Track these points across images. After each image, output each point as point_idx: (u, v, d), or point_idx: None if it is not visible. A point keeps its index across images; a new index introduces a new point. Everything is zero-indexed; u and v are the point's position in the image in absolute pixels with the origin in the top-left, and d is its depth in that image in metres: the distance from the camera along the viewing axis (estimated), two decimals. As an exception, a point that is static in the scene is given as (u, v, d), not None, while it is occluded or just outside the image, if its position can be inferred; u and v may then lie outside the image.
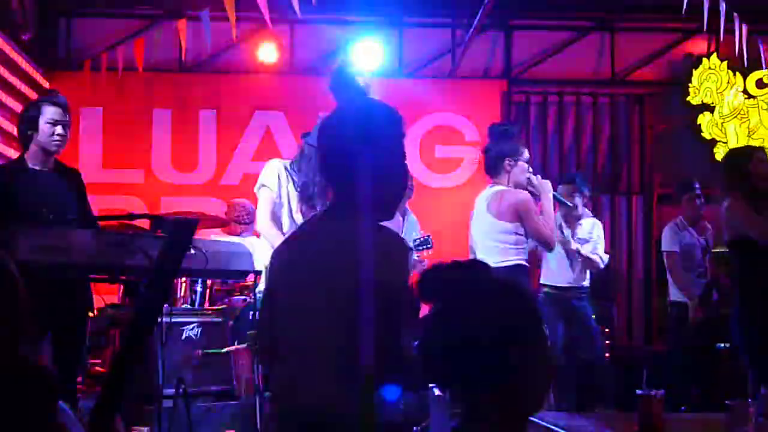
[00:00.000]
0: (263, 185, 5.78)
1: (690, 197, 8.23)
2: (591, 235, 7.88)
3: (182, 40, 8.50)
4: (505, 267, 6.04)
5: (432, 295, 2.20)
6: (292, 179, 5.78)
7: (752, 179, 5.86)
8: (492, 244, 6.22)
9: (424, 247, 6.83)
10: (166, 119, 10.50)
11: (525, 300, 2.17)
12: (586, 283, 7.90)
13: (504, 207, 6.18)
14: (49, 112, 5.28)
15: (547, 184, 6.34)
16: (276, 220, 5.74)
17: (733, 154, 6.56)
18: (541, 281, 8.03)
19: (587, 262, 7.75)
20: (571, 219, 7.77)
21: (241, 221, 8.59)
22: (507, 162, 6.28)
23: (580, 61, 11.21)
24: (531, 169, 6.30)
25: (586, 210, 8.08)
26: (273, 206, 5.74)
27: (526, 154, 6.32)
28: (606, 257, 7.95)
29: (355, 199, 2.78)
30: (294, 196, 5.77)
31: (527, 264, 6.29)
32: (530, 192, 6.28)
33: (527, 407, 2.17)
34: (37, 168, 5.24)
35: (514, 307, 2.13)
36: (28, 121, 5.27)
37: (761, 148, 6.43)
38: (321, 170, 3.08)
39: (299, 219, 5.79)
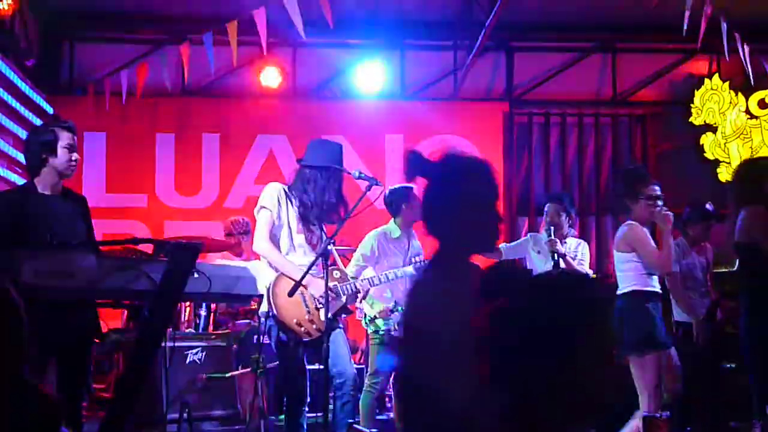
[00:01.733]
0: (263, 207, 5.82)
1: (706, 226, 8.19)
2: (576, 254, 7.88)
3: (185, 64, 8.54)
4: (624, 293, 6.25)
5: (494, 293, 2.28)
6: (292, 202, 5.82)
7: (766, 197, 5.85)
8: (618, 273, 6.47)
9: None
10: (169, 143, 10.54)
11: (584, 311, 2.21)
12: None
13: (619, 240, 6.47)
14: (66, 138, 5.28)
15: (666, 217, 6.49)
16: (274, 241, 5.78)
17: (749, 168, 6.51)
18: None
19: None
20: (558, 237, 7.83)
21: (235, 232, 8.57)
22: (628, 202, 6.53)
23: (581, 81, 11.25)
24: (660, 203, 6.48)
25: (572, 230, 8.09)
26: (272, 228, 5.78)
27: (649, 191, 6.49)
28: (591, 274, 7.94)
29: (456, 247, 3.16)
30: (294, 217, 5.81)
31: (650, 289, 6.42)
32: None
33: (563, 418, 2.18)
34: (46, 193, 5.24)
35: (572, 313, 2.17)
36: (43, 146, 5.24)
37: None
38: (426, 226, 3.25)
39: (299, 240, 5.81)
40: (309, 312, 5.70)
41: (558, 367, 2.14)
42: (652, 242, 6.43)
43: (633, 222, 6.44)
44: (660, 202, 6.44)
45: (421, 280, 3.30)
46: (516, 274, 2.30)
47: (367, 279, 6.32)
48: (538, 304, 2.20)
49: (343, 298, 5.88)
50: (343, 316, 6.15)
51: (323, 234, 5.93)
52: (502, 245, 8.44)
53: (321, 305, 5.66)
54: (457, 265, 3.13)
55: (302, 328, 5.67)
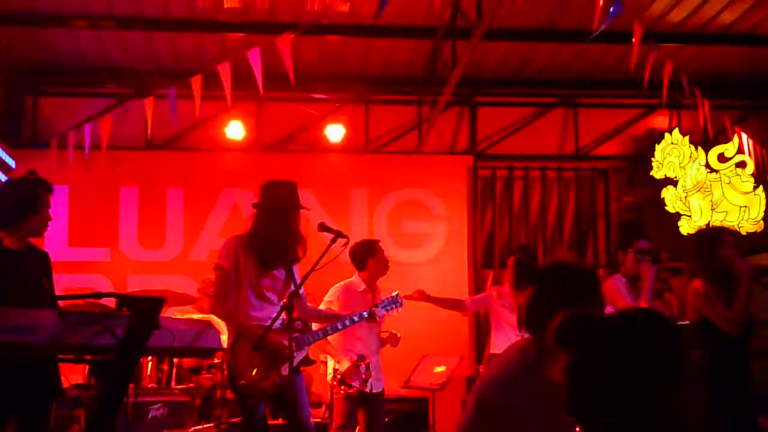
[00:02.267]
0: (218, 266, 5.78)
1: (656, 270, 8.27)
2: None
3: (149, 118, 8.53)
4: None
5: (569, 342, 2.34)
6: (250, 251, 5.77)
7: (721, 264, 5.90)
8: None
9: (394, 305, 6.84)
10: (133, 197, 10.49)
11: (663, 350, 2.24)
12: None
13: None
14: (46, 198, 5.25)
15: (649, 270, 6.60)
16: (234, 296, 5.73)
17: (701, 235, 6.66)
18: (491, 351, 8.09)
19: None
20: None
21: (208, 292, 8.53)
22: (620, 254, 6.82)
23: (544, 136, 11.36)
24: (647, 257, 6.64)
25: None
26: (228, 286, 5.72)
27: (637, 245, 6.67)
28: None
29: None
30: (253, 269, 5.74)
31: None
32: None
33: None
34: (12, 247, 5.18)
35: (650, 356, 2.21)
36: (25, 203, 5.17)
37: (729, 231, 6.52)
38: (526, 324, 3.46)
39: (260, 292, 5.75)
40: (268, 368, 5.66)
41: (641, 410, 2.20)
42: (627, 295, 6.52)
43: (616, 275, 6.59)
44: (648, 256, 6.58)
45: (518, 370, 3.38)
46: (590, 320, 2.36)
47: (329, 326, 6.24)
48: (614, 351, 2.25)
49: (305, 350, 5.84)
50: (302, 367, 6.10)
51: (291, 276, 5.86)
52: (465, 298, 8.45)
53: (280, 360, 5.64)
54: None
55: (258, 385, 5.63)
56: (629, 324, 2.29)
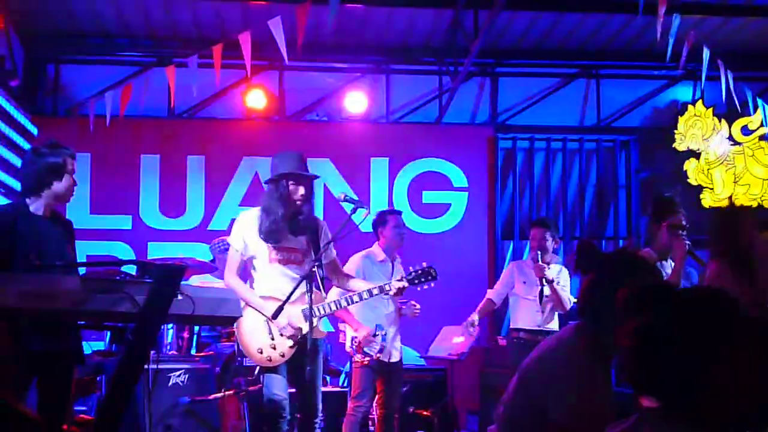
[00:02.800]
0: (231, 243, 5.87)
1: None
2: (558, 279, 7.87)
3: (170, 86, 8.54)
4: None
5: (637, 311, 2.37)
6: (261, 228, 5.80)
7: (740, 243, 5.83)
8: None
9: (425, 279, 6.36)
10: (154, 165, 10.52)
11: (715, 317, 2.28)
12: (554, 325, 7.88)
13: None
14: (71, 164, 5.27)
15: (681, 245, 6.56)
16: (251, 270, 5.80)
17: (721, 216, 6.56)
18: (511, 326, 8.07)
19: (556, 301, 7.73)
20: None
21: (223, 248, 8.51)
22: (653, 228, 6.72)
23: (566, 107, 11.31)
24: (683, 233, 6.58)
25: (555, 256, 8.08)
26: (241, 261, 5.80)
27: (672, 220, 6.60)
28: (573, 300, 7.91)
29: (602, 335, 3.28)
30: (267, 245, 5.78)
31: None
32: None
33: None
34: (38, 214, 5.20)
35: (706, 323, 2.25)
36: (51, 169, 5.19)
37: (749, 210, 6.48)
38: (580, 309, 3.53)
39: (274, 266, 5.77)
40: (273, 339, 5.69)
41: (705, 374, 2.21)
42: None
43: (646, 249, 6.54)
44: (683, 232, 6.52)
45: (567, 356, 3.39)
46: (658, 290, 2.39)
47: (345, 297, 6.16)
48: (682, 318, 2.26)
49: (315, 321, 5.80)
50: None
51: (314, 242, 5.84)
52: (490, 294, 8.30)
53: (285, 333, 5.67)
54: (601, 352, 3.34)
55: (263, 355, 5.66)
56: (698, 295, 2.35)
